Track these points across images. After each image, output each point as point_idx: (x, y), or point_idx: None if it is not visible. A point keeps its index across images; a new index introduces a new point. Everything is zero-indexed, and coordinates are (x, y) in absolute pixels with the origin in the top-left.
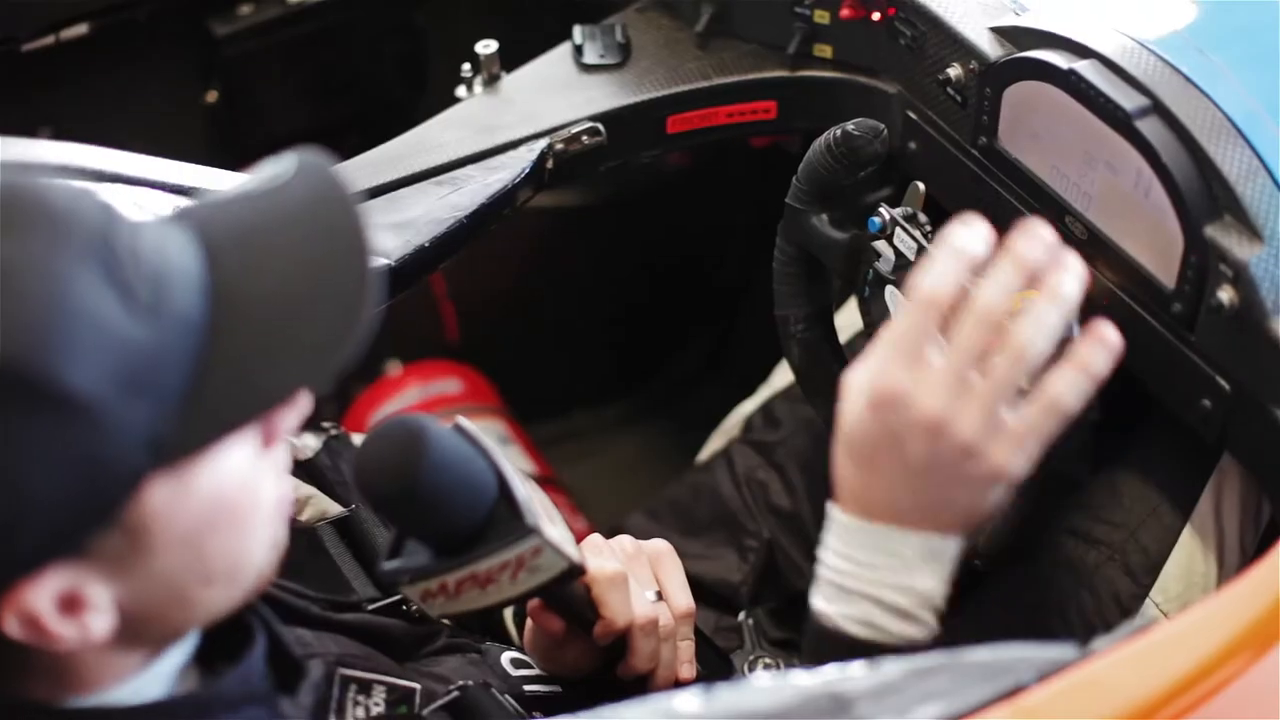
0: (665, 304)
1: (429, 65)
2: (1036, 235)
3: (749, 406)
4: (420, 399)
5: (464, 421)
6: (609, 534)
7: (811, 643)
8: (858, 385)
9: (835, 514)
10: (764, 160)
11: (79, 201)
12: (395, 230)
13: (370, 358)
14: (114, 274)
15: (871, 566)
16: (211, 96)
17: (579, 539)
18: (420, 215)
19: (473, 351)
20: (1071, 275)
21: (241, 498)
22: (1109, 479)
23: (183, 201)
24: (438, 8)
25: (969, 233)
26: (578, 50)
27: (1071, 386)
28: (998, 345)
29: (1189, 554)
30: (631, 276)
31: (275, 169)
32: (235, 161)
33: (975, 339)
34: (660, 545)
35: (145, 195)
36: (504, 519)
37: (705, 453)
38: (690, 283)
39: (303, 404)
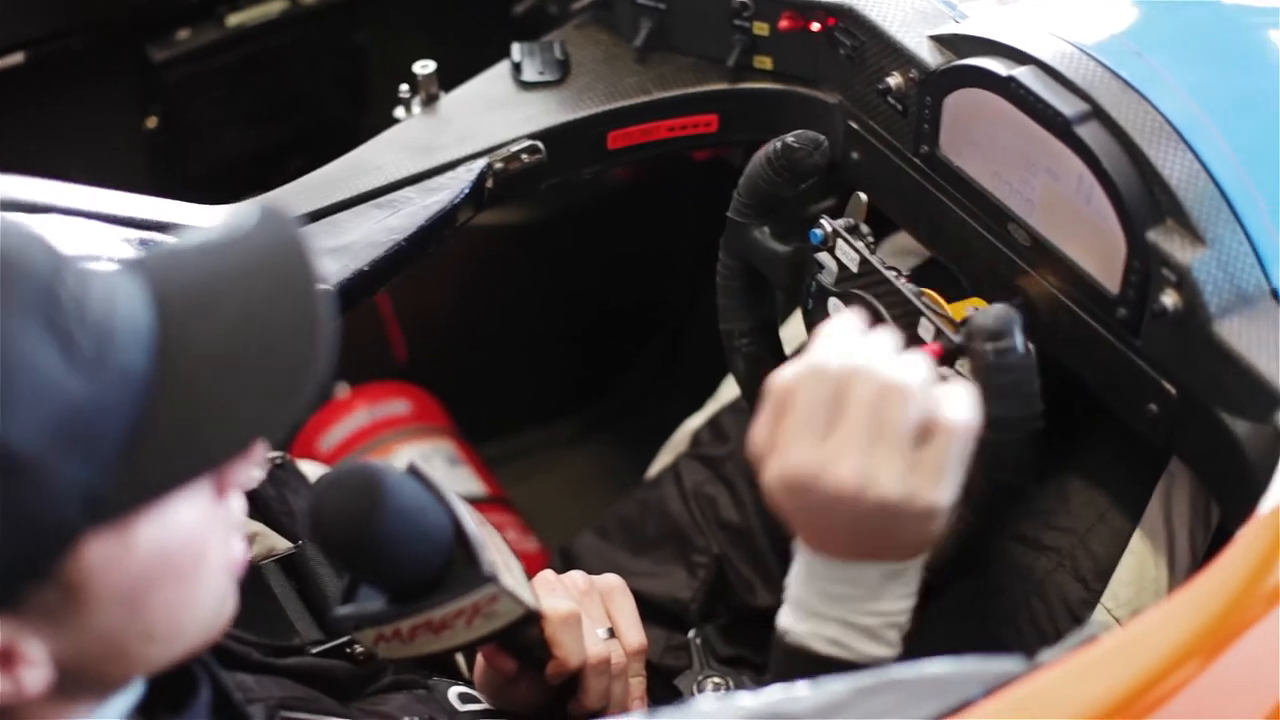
0: (613, 319)
1: (370, 85)
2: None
3: (697, 421)
4: (369, 421)
5: (419, 466)
6: (560, 555)
7: (779, 660)
8: (771, 477)
9: (799, 553)
10: (708, 173)
11: (25, 249)
12: (333, 255)
13: None
14: (56, 325)
15: (840, 598)
16: (152, 122)
17: (531, 560)
18: (359, 239)
19: (421, 371)
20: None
21: (186, 554)
22: (1057, 484)
23: (126, 233)
24: (377, 28)
25: (848, 317)
26: (516, 68)
27: (962, 406)
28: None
29: (1139, 559)
30: (579, 292)
31: (236, 218)
32: (179, 187)
33: (866, 395)
34: (612, 581)
35: (88, 227)
36: (460, 566)
37: (655, 468)
38: (638, 297)
39: (257, 457)
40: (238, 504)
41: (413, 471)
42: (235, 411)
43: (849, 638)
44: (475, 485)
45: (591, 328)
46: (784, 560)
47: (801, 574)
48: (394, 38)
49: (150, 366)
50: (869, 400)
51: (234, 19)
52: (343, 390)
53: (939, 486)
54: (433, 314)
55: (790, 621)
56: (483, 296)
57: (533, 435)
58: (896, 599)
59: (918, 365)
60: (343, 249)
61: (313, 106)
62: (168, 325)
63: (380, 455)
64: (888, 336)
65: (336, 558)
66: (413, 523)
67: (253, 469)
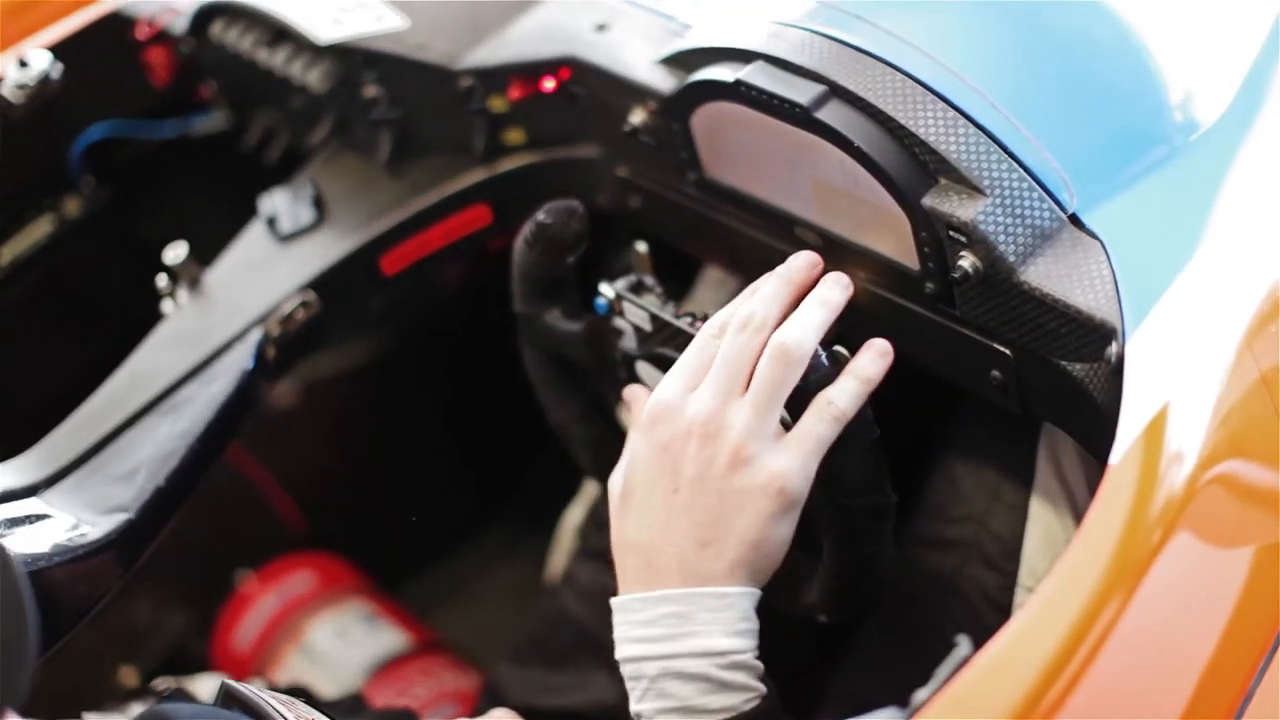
0: (498, 418)
1: None
2: (803, 256)
3: (577, 513)
4: (277, 606)
5: (231, 684)
6: (486, 693)
7: None
8: (638, 419)
9: (616, 605)
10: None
11: None
12: (126, 481)
13: (219, 573)
14: None
15: (661, 639)
16: None
17: (468, 695)
18: (149, 455)
19: (325, 533)
20: (834, 283)
21: None
22: (942, 474)
23: None
24: (154, 216)
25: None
26: (270, 222)
27: (844, 391)
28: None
29: (1044, 526)
30: (454, 404)
31: None
32: (11, 434)
33: (741, 346)
34: (498, 717)
35: None
36: None
37: (549, 570)
38: (510, 392)
39: None
40: None
41: (225, 691)
42: None
43: (693, 697)
44: (397, 638)
45: (481, 435)
46: None
47: (622, 632)
48: (175, 219)
49: None
50: (746, 355)
51: (6, 253)
52: (247, 579)
53: (791, 460)
54: (317, 473)
55: (634, 706)
56: (362, 440)
57: (459, 560)
58: (728, 636)
59: (807, 333)
60: (135, 470)
61: (121, 311)
62: None
63: (294, 638)
64: (781, 300)
65: None
66: None
67: None
